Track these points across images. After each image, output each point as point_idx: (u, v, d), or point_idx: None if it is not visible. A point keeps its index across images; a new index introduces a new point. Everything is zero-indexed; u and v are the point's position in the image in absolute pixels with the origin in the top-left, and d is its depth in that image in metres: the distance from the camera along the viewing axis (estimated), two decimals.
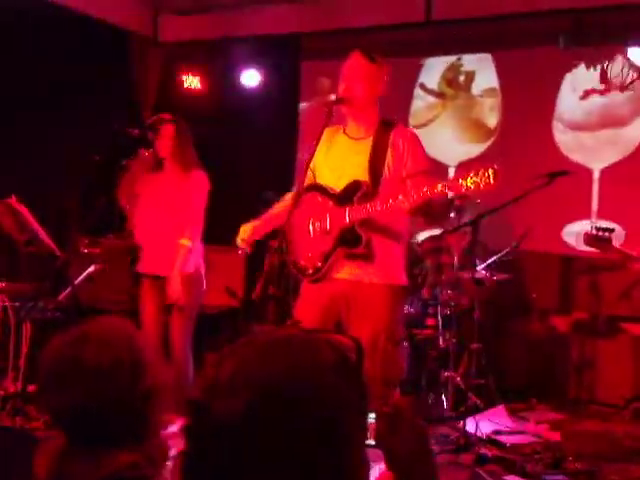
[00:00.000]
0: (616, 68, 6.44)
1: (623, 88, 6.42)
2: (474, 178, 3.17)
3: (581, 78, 6.61)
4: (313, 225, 3.74)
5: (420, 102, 7.31)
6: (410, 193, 3.39)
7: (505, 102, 6.93)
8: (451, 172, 6.89)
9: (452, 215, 5.71)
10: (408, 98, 7.27)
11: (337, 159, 3.74)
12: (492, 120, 6.97)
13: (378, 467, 1.46)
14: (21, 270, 6.06)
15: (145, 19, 7.71)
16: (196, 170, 4.90)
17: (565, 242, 6.58)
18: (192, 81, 7.54)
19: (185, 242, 4.77)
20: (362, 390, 1.14)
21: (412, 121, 7.21)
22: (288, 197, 3.90)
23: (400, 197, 3.38)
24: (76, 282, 5.06)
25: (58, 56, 6.70)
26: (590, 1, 6.16)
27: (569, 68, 6.64)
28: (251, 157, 7.51)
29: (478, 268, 5.32)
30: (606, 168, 6.40)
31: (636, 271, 5.21)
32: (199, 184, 4.88)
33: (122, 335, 1.80)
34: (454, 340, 5.54)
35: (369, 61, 3.66)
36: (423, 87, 7.28)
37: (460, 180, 3.23)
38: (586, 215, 6.50)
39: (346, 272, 3.63)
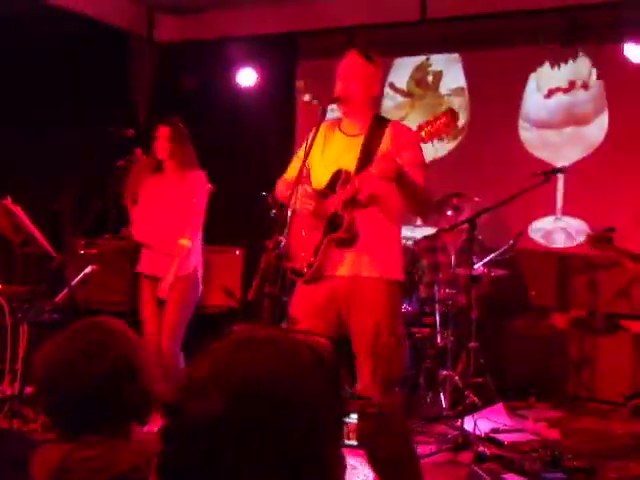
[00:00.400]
0: (579, 67, 6.55)
1: (587, 87, 6.49)
2: (434, 124, 3.43)
3: (546, 77, 6.73)
4: (304, 227, 3.73)
5: (389, 101, 7.38)
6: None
7: (472, 101, 7.01)
8: None
9: (449, 213, 5.72)
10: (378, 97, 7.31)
11: (331, 156, 3.73)
12: (460, 119, 7.04)
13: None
14: (17, 272, 6.06)
15: (141, 19, 7.71)
16: (195, 170, 4.89)
17: (532, 239, 6.68)
18: (188, 81, 7.53)
19: (184, 242, 4.77)
20: (339, 391, 1.14)
21: None
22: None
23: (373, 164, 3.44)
24: (73, 283, 5.05)
25: (54, 56, 6.69)
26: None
27: (534, 67, 6.72)
28: (248, 156, 7.50)
29: (475, 266, 5.32)
30: (571, 165, 6.44)
31: (632, 269, 5.22)
32: (198, 184, 4.87)
33: (116, 336, 1.79)
34: (452, 338, 5.54)
35: (365, 60, 3.66)
36: (392, 86, 7.36)
37: (422, 129, 3.45)
38: (551, 212, 6.63)
39: (343, 269, 3.61)
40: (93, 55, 6.96)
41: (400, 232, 3.84)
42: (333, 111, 3.86)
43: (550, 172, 4.81)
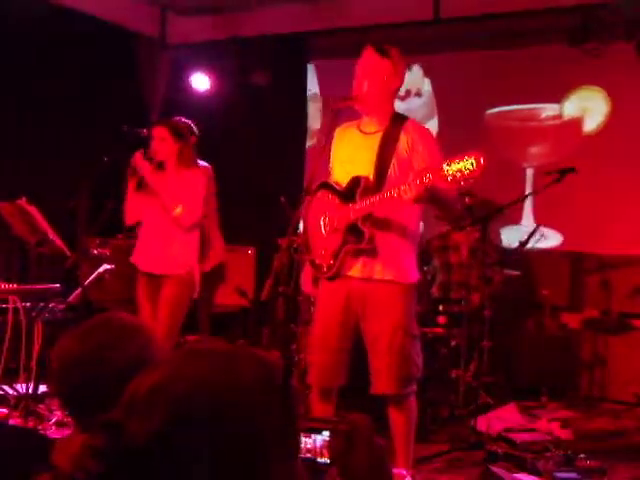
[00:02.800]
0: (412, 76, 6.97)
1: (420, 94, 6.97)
2: (457, 165, 3.15)
3: None
4: (324, 223, 3.76)
5: None
6: (406, 184, 3.37)
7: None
8: None
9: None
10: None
11: (348, 154, 3.74)
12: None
13: None
14: (32, 271, 6.08)
15: (153, 21, 7.73)
16: (195, 168, 4.89)
17: None
18: (200, 82, 7.56)
19: (178, 211, 4.74)
20: (289, 406, 1.09)
21: None
22: None
23: (402, 187, 3.37)
24: (86, 283, 5.07)
25: (67, 58, 6.72)
26: None
27: None
28: (260, 157, 7.52)
29: (488, 266, 5.32)
30: None
31: None
32: (196, 179, 4.85)
33: (131, 330, 1.80)
34: (465, 338, 5.53)
35: (380, 56, 3.63)
36: None
37: (445, 168, 3.19)
38: None
39: (356, 270, 3.64)
40: (106, 57, 6.98)
41: (418, 236, 3.85)
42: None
43: (563, 171, 4.80)
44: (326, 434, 2.28)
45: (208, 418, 1.00)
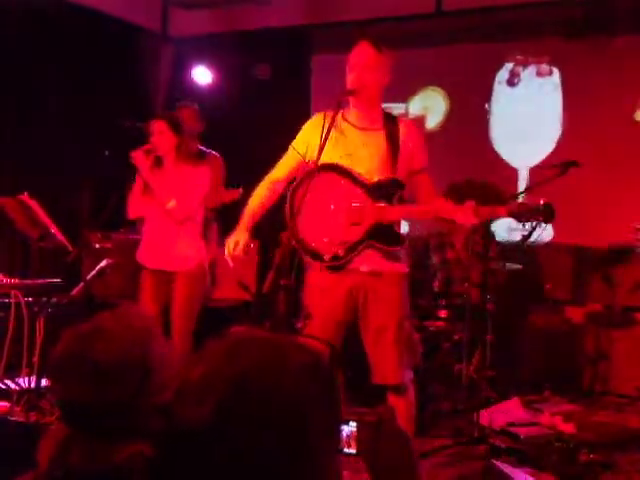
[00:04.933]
0: None
1: None
2: (526, 211, 3.39)
3: None
4: (335, 209, 3.65)
5: None
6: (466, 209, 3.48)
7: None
8: None
9: None
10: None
11: (346, 149, 3.65)
12: None
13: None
14: (34, 266, 6.07)
15: (155, 14, 7.71)
16: (195, 162, 4.87)
17: None
18: (202, 75, 7.54)
19: (171, 204, 4.73)
20: (334, 396, 1.11)
21: None
22: (259, 190, 3.90)
23: (460, 213, 3.49)
24: (88, 277, 5.07)
25: (68, 52, 6.71)
26: None
27: None
28: (263, 150, 7.47)
29: (489, 260, 5.30)
30: None
31: None
32: (198, 175, 4.84)
33: (135, 330, 1.78)
34: (467, 332, 5.52)
35: (377, 51, 3.63)
36: None
37: (511, 211, 3.45)
38: None
39: (368, 264, 3.63)
40: (108, 50, 6.97)
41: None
42: None
43: (566, 164, 4.77)
44: (353, 425, 2.28)
45: (258, 404, 1.03)
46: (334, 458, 1.12)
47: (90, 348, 1.69)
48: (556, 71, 6.85)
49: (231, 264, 3.73)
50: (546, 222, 3.36)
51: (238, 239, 3.73)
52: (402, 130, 3.66)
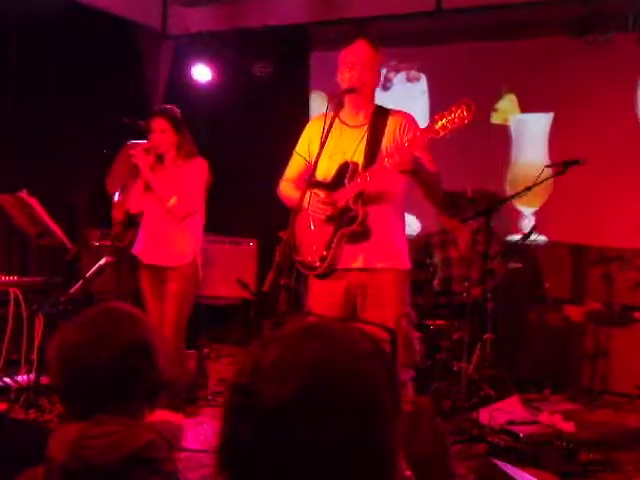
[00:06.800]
0: None
1: None
2: (449, 117, 3.22)
3: None
4: (313, 220, 3.71)
5: None
6: (392, 149, 3.41)
7: None
8: None
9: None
10: None
11: (336, 148, 3.68)
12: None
13: None
14: (32, 263, 6.08)
15: (154, 12, 7.69)
16: (195, 158, 4.87)
17: None
18: (202, 73, 7.53)
19: (172, 202, 4.72)
20: (395, 379, 1.16)
21: None
22: (286, 188, 3.88)
23: (388, 153, 3.40)
24: (87, 275, 5.06)
25: (67, 51, 6.70)
26: None
27: None
28: (262, 148, 7.49)
29: (490, 258, 5.30)
30: None
31: None
32: (197, 170, 4.83)
33: (128, 319, 1.80)
34: (467, 331, 5.52)
35: (375, 50, 3.65)
36: None
37: (437, 122, 3.25)
38: None
39: (357, 262, 3.63)
40: (107, 48, 6.96)
41: (405, 223, 3.86)
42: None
43: (568, 163, 4.77)
44: None
45: (335, 384, 1.07)
46: (399, 442, 1.15)
47: (85, 325, 1.78)
48: None
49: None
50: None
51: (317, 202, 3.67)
52: (390, 120, 3.66)
